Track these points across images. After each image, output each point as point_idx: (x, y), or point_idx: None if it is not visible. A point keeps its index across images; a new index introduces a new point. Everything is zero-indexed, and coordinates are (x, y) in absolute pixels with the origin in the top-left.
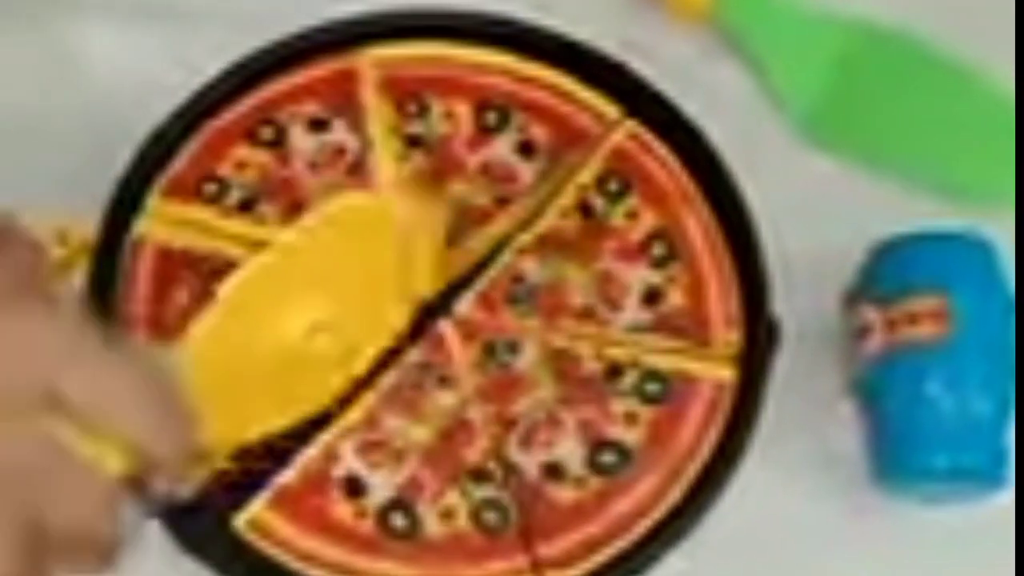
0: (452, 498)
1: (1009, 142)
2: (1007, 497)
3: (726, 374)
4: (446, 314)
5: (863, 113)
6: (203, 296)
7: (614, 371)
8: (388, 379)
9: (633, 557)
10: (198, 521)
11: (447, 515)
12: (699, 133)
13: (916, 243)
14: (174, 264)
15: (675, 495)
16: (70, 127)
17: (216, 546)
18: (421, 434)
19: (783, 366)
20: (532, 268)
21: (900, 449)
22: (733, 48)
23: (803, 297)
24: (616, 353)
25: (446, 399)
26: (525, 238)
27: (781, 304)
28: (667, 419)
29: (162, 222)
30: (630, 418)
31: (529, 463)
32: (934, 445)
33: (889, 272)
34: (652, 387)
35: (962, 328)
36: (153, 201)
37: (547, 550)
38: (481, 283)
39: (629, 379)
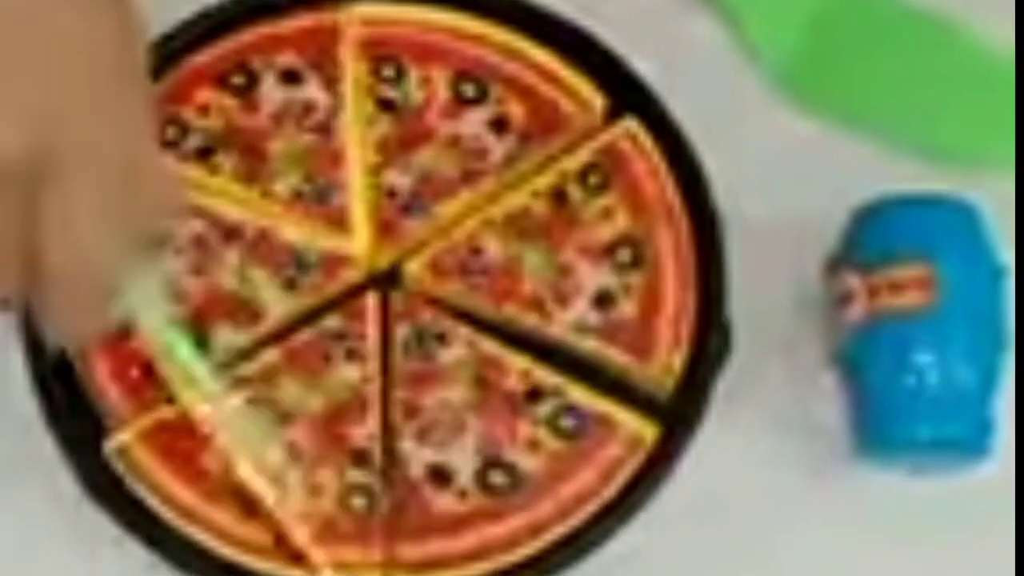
0: (325, 475)
1: (995, 100)
2: (989, 468)
3: (647, 431)
4: (394, 284)
5: (841, 68)
6: None
7: (534, 394)
8: (299, 338)
9: None
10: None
11: (315, 491)
12: (686, 142)
13: (899, 208)
14: None
15: (555, 534)
16: None
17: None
18: (313, 403)
19: (764, 334)
20: (493, 244)
21: (883, 420)
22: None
23: (783, 262)
24: (542, 377)
25: (350, 373)
26: (493, 212)
27: (760, 268)
28: (571, 458)
29: None
30: (533, 445)
31: (417, 458)
32: (918, 416)
33: (872, 238)
34: (567, 422)
35: (947, 297)
36: None
37: (410, 551)
38: (437, 246)
39: (547, 407)
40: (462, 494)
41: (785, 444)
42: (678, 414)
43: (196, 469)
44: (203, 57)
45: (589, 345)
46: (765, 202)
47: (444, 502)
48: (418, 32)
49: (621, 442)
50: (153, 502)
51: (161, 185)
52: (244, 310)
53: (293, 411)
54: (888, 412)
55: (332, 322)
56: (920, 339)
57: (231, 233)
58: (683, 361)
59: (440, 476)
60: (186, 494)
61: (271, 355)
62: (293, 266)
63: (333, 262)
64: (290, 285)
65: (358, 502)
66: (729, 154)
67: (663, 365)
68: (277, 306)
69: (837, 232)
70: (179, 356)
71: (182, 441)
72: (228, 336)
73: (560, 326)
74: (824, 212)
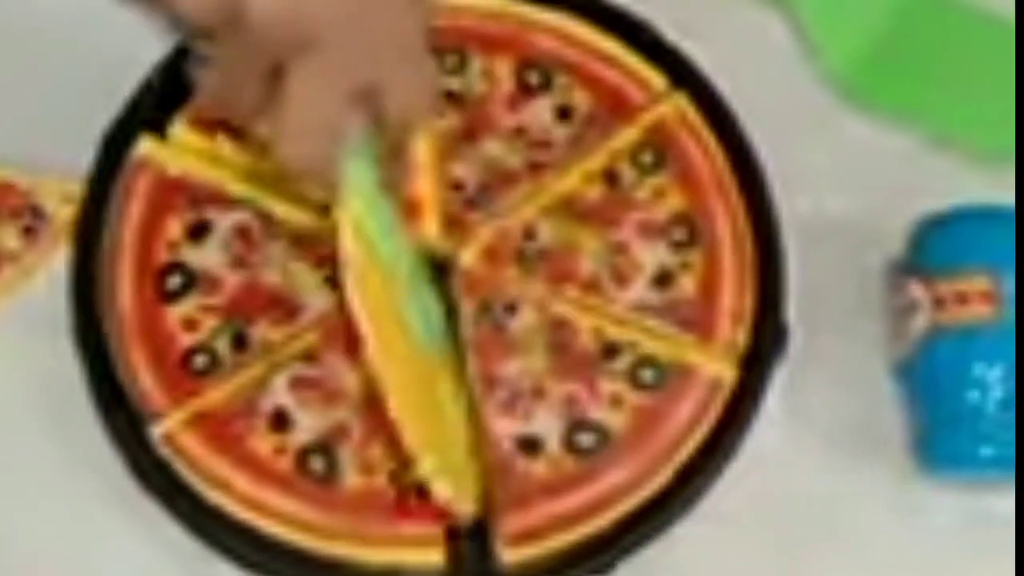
0: (376, 452)
1: None
2: None
3: (727, 372)
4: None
5: (908, 71)
6: (193, 230)
7: (610, 351)
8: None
9: (595, 545)
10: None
11: (367, 468)
12: (735, 121)
13: (968, 219)
14: (171, 190)
15: (648, 491)
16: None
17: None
18: (358, 380)
19: (823, 341)
20: (546, 228)
21: (944, 435)
22: None
23: (846, 266)
24: (615, 332)
25: None
26: (547, 196)
27: (819, 270)
28: (654, 409)
29: (170, 145)
30: (616, 401)
31: (504, 432)
32: (980, 433)
33: (938, 247)
34: (646, 373)
35: (1013, 311)
36: (173, 128)
37: (513, 523)
38: (489, 234)
39: (624, 361)
40: (553, 460)
41: (841, 451)
42: (754, 355)
43: (245, 453)
44: None
45: (651, 324)
46: (829, 203)
47: (537, 470)
48: (479, 20)
49: (702, 386)
50: (202, 488)
51: (414, 82)
52: (283, 306)
53: (337, 389)
54: (949, 427)
55: None
56: (984, 353)
57: (276, 227)
58: (746, 337)
59: (529, 446)
60: (237, 479)
61: (312, 336)
62: (334, 263)
63: None
64: (331, 282)
65: (410, 476)
66: (789, 154)
67: (727, 343)
68: (317, 302)
69: (897, 235)
70: (369, 226)
71: (229, 426)
72: (265, 331)
73: (621, 305)
74: (884, 215)
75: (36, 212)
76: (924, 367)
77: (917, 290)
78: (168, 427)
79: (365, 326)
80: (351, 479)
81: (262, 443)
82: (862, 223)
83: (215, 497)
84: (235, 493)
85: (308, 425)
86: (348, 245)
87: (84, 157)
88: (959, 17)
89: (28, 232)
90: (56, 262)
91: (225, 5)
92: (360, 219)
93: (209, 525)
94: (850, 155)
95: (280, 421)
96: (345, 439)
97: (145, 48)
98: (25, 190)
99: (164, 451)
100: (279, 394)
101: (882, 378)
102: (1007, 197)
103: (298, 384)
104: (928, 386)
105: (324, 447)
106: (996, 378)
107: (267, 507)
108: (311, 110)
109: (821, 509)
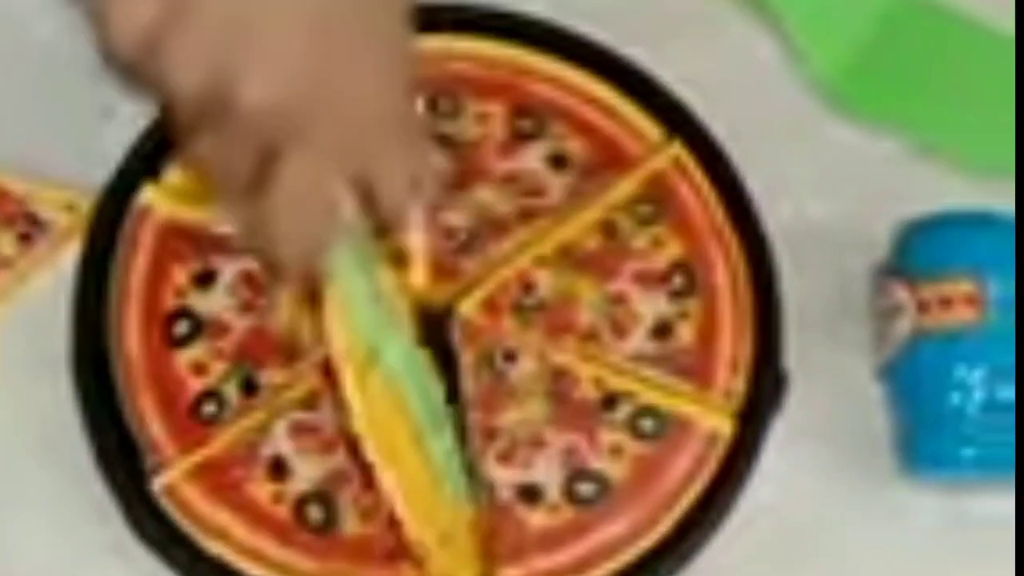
0: (374, 499)
1: None
2: None
3: (724, 426)
4: (451, 321)
5: (896, 78)
6: (200, 279)
7: (610, 400)
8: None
9: None
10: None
11: (366, 515)
12: (732, 167)
13: (952, 224)
14: (177, 237)
15: (647, 542)
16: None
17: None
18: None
19: (808, 345)
20: (545, 279)
21: (928, 437)
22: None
23: (829, 271)
24: (615, 383)
25: None
26: (545, 246)
27: (807, 277)
28: (654, 459)
29: (173, 193)
30: (616, 451)
31: (503, 481)
32: (962, 435)
33: (922, 251)
34: (645, 423)
35: (995, 315)
36: (170, 173)
37: (512, 572)
38: (489, 286)
39: (623, 411)
40: (553, 509)
41: (829, 456)
42: (751, 408)
43: (244, 501)
44: None
45: (649, 374)
46: (813, 208)
47: (537, 519)
48: (473, 66)
49: (700, 439)
50: (200, 537)
51: (406, 165)
52: (288, 349)
53: (336, 435)
54: (933, 429)
55: None
56: (967, 356)
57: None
58: (745, 385)
59: (529, 495)
60: (236, 527)
61: (312, 379)
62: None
63: None
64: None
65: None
66: (772, 160)
67: (724, 391)
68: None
69: (880, 240)
70: (359, 317)
71: (229, 473)
72: (273, 376)
73: (619, 357)
74: (867, 219)
75: (32, 219)
76: (907, 369)
77: (901, 293)
78: (171, 477)
79: (360, 425)
80: (350, 527)
81: (260, 491)
82: (845, 228)
83: (213, 546)
84: (233, 542)
85: (306, 474)
86: (339, 341)
87: (81, 164)
88: (945, 25)
89: (24, 239)
90: (50, 270)
91: (217, 93)
92: (353, 312)
93: (207, 574)
94: (833, 160)
95: (278, 469)
96: (344, 486)
97: None
98: (20, 197)
99: (163, 501)
100: (279, 441)
101: (866, 381)
102: (991, 201)
103: (297, 431)
104: (911, 388)
105: (322, 495)
106: (978, 380)
107: (265, 556)
108: (305, 194)
109: (803, 509)
